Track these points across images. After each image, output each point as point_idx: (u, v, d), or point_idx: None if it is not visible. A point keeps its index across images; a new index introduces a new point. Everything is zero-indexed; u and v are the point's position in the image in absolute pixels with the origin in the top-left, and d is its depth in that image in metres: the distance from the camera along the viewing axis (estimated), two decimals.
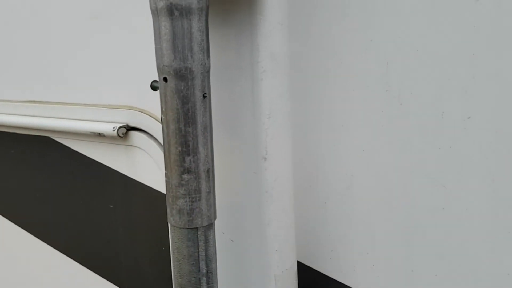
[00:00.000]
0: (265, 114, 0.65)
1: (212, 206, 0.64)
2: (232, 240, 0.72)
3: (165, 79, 0.60)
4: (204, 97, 0.60)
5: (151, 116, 1.00)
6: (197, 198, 0.62)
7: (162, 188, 1.03)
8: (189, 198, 0.62)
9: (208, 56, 0.61)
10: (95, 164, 1.14)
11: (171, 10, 0.57)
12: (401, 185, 0.72)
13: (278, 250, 0.69)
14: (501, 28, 0.59)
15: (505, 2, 0.58)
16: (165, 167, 0.63)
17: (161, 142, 1.01)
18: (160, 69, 0.60)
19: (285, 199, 0.69)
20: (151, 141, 1.02)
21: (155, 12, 0.58)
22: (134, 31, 0.94)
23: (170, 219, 0.64)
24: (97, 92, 1.08)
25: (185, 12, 0.57)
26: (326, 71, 0.74)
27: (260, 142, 0.66)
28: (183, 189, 0.62)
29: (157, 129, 1.00)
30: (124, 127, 1.04)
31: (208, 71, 0.61)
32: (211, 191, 0.64)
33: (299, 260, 0.78)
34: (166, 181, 0.63)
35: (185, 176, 0.61)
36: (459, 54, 0.63)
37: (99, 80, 1.05)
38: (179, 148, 0.61)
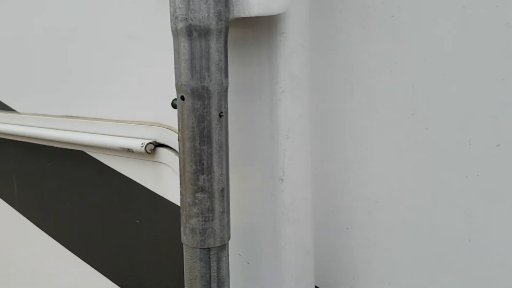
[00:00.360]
0: (283, 134, 0.64)
1: (225, 226, 0.63)
2: (248, 263, 0.71)
3: (182, 98, 0.60)
4: (220, 116, 0.60)
5: (177, 133, 1.01)
6: (210, 218, 0.62)
7: None
8: (202, 217, 0.61)
9: (226, 76, 0.61)
10: (124, 179, 1.16)
11: (190, 31, 0.57)
12: (426, 213, 0.69)
13: (294, 275, 0.67)
14: None
15: None
16: (180, 184, 0.63)
17: None
18: (178, 88, 0.60)
19: (302, 223, 0.67)
20: (177, 158, 1.02)
21: (175, 33, 0.59)
22: (163, 51, 0.96)
23: (183, 237, 0.64)
24: (128, 108, 1.10)
25: (204, 33, 0.57)
26: (349, 93, 0.72)
27: (277, 163, 0.65)
28: (196, 208, 0.61)
29: None
30: (152, 144, 1.05)
31: (226, 91, 0.61)
32: (225, 211, 0.63)
33: (318, 286, 0.76)
34: (180, 199, 0.63)
35: (198, 194, 0.61)
36: (488, 78, 0.60)
37: (130, 97, 1.07)
38: (194, 166, 0.61)
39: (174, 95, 1.02)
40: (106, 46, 1.10)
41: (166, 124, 1.04)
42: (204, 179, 0.61)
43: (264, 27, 0.62)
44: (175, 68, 0.61)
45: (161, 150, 1.06)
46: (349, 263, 0.76)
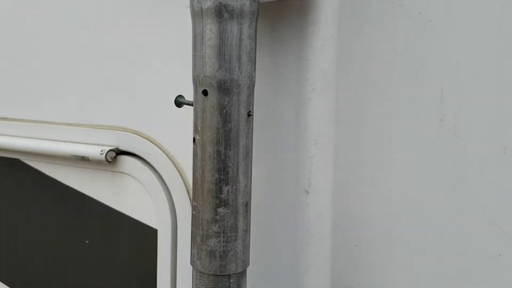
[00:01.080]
0: (312, 139, 0.55)
1: (247, 248, 0.53)
2: None
3: (204, 92, 0.49)
4: (249, 115, 0.50)
5: (148, 140, 0.89)
6: (233, 238, 0.51)
7: (153, 223, 0.91)
8: (223, 237, 0.51)
9: (255, 69, 0.51)
10: (71, 192, 1.00)
11: (219, 11, 0.47)
12: (452, 227, 0.64)
13: None
14: None
15: None
16: (193, 198, 0.52)
17: (158, 169, 0.88)
18: (198, 80, 0.50)
19: (325, 241, 0.59)
20: (145, 168, 0.89)
21: (197, 13, 0.48)
22: (128, 43, 0.83)
23: (196, 263, 0.52)
24: (83, 110, 0.95)
25: (236, 14, 0.47)
26: (372, 96, 0.65)
27: (304, 172, 0.56)
28: (217, 226, 0.50)
29: (154, 154, 0.88)
30: (114, 151, 0.91)
31: (254, 86, 0.51)
32: (248, 229, 0.53)
33: None
34: (194, 215, 0.52)
35: (220, 210, 0.50)
36: None
37: (86, 97, 0.93)
38: (216, 176, 0.50)
39: (143, 94, 0.89)
40: (57, 38, 0.95)
41: (133, 129, 0.91)
42: (228, 191, 0.50)
43: (294, 14, 0.54)
44: (195, 56, 0.50)
45: (124, 158, 0.92)
46: (360, 284, 0.69)
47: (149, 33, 0.85)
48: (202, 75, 0.49)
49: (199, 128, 0.50)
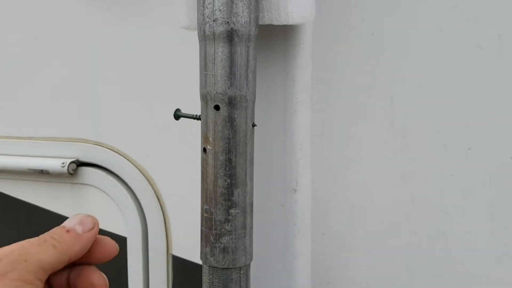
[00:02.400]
0: (298, 145, 0.64)
1: (252, 242, 0.60)
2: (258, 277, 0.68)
3: (216, 107, 0.56)
4: (253, 126, 0.57)
5: (112, 150, 0.91)
6: (243, 234, 0.58)
7: (122, 231, 0.93)
8: (235, 234, 0.57)
9: (256, 85, 0.58)
10: (30, 207, 0.99)
11: (231, 36, 0.54)
12: (403, 214, 0.76)
13: (304, 286, 0.67)
14: (500, 69, 0.68)
15: (504, 47, 0.67)
16: (205, 202, 0.58)
17: (123, 177, 0.92)
18: (210, 97, 0.56)
19: (308, 232, 0.68)
20: (110, 177, 0.92)
21: (209, 37, 0.54)
22: (83, 53, 0.86)
23: (210, 259, 0.58)
24: (40, 123, 0.94)
25: (245, 39, 0.54)
26: (331, 106, 0.76)
27: (291, 173, 0.65)
28: (229, 225, 0.57)
29: (119, 164, 0.91)
30: (75, 163, 0.92)
31: (255, 100, 0.59)
32: (252, 226, 0.60)
33: None
34: (206, 217, 0.58)
35: (232, 211, 0.57)
36: (461, 91, 0.70)
37: (40, 110, 0.93)
38: (228, 181, 0.56)
39: (103, 104, 0.91)
40: (7, 50, 0.93)
41: (94, 140, 0.93)
42: (238, 193, 0.57)
43: (280, 37, 0.62)
44: (204, 75, 0.56)
45: (86, 170, 0.93)
46: (325, 268, 0.79)
47: (106, 40, 0.88)
48: (214, 92, 0.55)
49: (210, 139, 0.56)
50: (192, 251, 0.89)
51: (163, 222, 0.89)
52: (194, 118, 0.59)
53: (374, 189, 0.77)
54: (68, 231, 0.43)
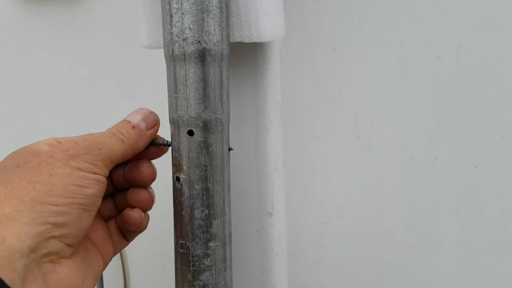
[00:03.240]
0: (272, 166, 0.61)
1: (232, 276, 0.56)
2: None
3: (190, 133, 0.51)
4: (229, 150, 0.54)
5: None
6: (223, 269, 0.54)
7: None
8: (215, 270, 0.53)
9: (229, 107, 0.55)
10: None
11: (203, 56, 0.50)
12: (373, 227, 0.75)
13: None
14: (460, 80, 0.69)
15: (462, 59, 0.68)
16: (179, 236, 0.53)
17: None
18: (182, 122, 0.51)
19: (285, 258, 0.65)
20: None
21: (180, 57, 0.50)
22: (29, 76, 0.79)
23: None
24: None
25: (218, 58, 0.51)
26: (294, 121, 0.74)
27: (266, 196, 0.62)
28: (209, 260, 0.53)
29: None
30: None
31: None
32: (232, 257, 0.56)
33: None
34: (181, 253, 0.53)
35: (211, 244, 0.53)
36: (424, 103, 0.71)
37: None
38: (206, 211, 0.52)
39: (41, 128, 0.83)
40: None
41: None
42: (217, 224, 0.53)
43: (249, 55, 0.59)
44: (175, 98, 0.51)
45: None
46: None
47: (46, 59, 0.81)
48: (187, 116, 0.51)
49: (184, 168, 0.52)
50: (152, 283, 0.83)
51: (119, 255, 0.82)
52: (164, 145, 0.55)
53: (343, 205, 0.76)
54: (134, 127, 0.50)
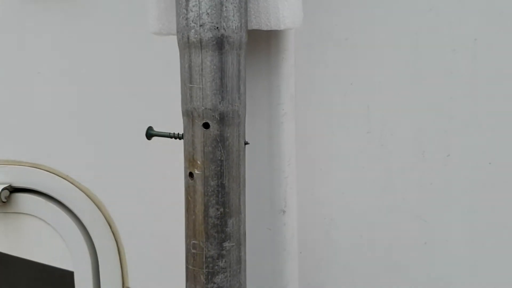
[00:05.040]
0: (285, 161, 0.58)
1: (246, 278, 0.53)
2: None
3: (206, 125, 0.48)
4: (245, 144, 0.51)
5: (51, 172, 0.80)
6: (238, 270, 0.51)
7: (68, 265, 0.82)
8: (229, 271, 0.50)
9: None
10: None
11: (221, 44, 0.46)
12: (383, 224, 0.73)
13: None
14: (476, 74, 0.67)
15: (479, 52, 0.66)
16: (192, 236, 0.50)
17: (67, 204, 0.81)
18: (197, 113, 0.48)
19: (297, 258, 0.62)
20: (51, 204, 0.80)
21: (196, 45, 0.47)
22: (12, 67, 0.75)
23: None
24: None
25: (236, 46, 0.47)
26: (305, 114, 0.70)
27: (279, 193, 0.59)
28: (223, 261, 0.50)
29: (61, 189, 0.80)
30: (7, 189, 0.80)
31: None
32: (246, 259, 0.53)
33: None
34: (194, 254, 0.50)
35: (226, 244, 0.49)
36: (438, 97, 0.69)
37: None
38: (221, 209, 0.49)
39: (39, 122, 0.79)
40: None
41: (30, 162, 0.80)
42: (232, 223, 0.50)
43: (263, 44, 0.56)
44: (189, 88, 0.48)
45: (21, 196, 0.81)
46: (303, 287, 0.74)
47: (41, 51, 0.77)
48: (203, 108, 0.47)
49: (198, 162, 0.48)
50: (151, 282, 0.80)
51: (116, 251, 0.79)
52: (171, 137, 0.51)
53: (353, 201, 0.73)
54: None
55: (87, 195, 0.78)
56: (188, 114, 0.48)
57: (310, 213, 0.73)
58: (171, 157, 0.73)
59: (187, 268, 0.50)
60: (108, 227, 0.78)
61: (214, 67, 0.47)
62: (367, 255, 0.74)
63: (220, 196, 0.48)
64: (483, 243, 0.71)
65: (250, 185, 0.59)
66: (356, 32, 0.69)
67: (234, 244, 0.50)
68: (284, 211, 0.58)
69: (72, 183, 0.79)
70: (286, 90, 0.56)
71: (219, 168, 0.48)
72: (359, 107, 0.71)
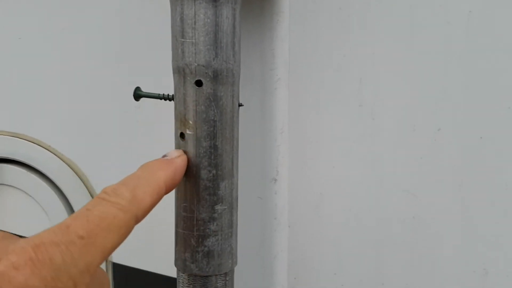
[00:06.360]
0: (278, 129, 0.57)
1: (237, 243, 0.52)
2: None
3: (198, 83, 0.46)
4: (239, 106, 0.49)
5: (33, 143, 0.77)
6: (229, 234, 0.49)
7: None
8: (221, 235, 0.49)
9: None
10: None
11: None
12: (372, 198, 0.72)
13: (284, 286, 0.60)
14: (469, 47, 0.66)
15: (473, 22, 0.65)
16: (181, 199, 0.48)
17: (50, 176, 0.78)
18: (190, 70, 0.46)
19: (287, 228, 0.61)
20: (33, 176, 0.78)
21: None
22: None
23: (191, 266, 0.49)
24: None
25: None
26: (298, 87, 0.69)
27: (271, 161, 0.57)
28: (215, 224, 0.48)
29: (43, 159, 0.77)
30: None
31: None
32: (237, 223, 0.52)
33: None
34: (184, 217, 0.48)
35: (218, 207, 0.48)
36: (430, 70, 0.68)
37: None
38: (214, 171, 0.47)
39: (16, 87, 0.76)
40: None
41: (10, 131, 0.77)
42: (225, 186, 0.48)
43: (256, 3, 0.54)
44: (180, 43, 0.46)
45: (1, 167, 0.78)
46: (290, 262, 0.73)
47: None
48: (195, 64, 0.46)
49: (190, 122, 0.47)
50: (136, 257, 0.78)
51: None
52: (161, 98, 0.49)
53: (343, 175, 0.72)
54: None
55: (70, 166, 0.76)
56: (180, 71, 0.46)
57: (300, 187, 0.72)
58: (158, 128, 0.71)
59: (177, 232, 0.49)
60: (91, 199, 0.76)
61: (208, 20, 0.45)
62: (355, 229, 0.73)
63: (212, 157, 0.47)
64: (472, 218, 0.71)
65: (242, 153, 0.57)
66: (350, 1, 0.68)
67: (226, 207, 0.48)
68: (275, 180, 0.57)
69: (54, 154, 0.76)
70: (280, 54, 0.55)
71: (212, 129, 0.46)
72: (351, 80, 0.70)
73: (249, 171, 0.57)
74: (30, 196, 0.76)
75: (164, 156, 0.45)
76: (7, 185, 0.76)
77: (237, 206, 0.50)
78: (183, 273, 0.49)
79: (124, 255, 0.78)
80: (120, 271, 0.77)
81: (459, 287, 0.71)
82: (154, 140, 0.72)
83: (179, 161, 0.43)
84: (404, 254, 0.73)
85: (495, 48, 0.66)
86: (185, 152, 0.47)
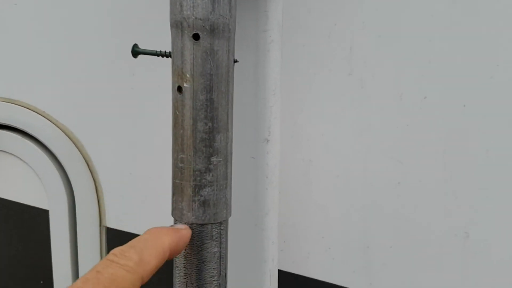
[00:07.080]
0: (271, 90, 0.59)
1: (231, 194, 0.54)
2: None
3: (195, 36, 0.48)
4: (235, 62, 0.51)
5: (28, 108, 0.78)
6: (224, 185, 0.51)
7: (43, 204, 0.81)
8: (216, 186, 0.51)
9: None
10: None
11: None
12: (359, 165, 0.75)
13: (274, 242, 0.63)
14: (454, 16, 0.69)
15: None
16: (180, 150, 0.50)
17: (45, 142, 0.79)
18: (187, 23, 0.48)
19: (277, 188, 0.63)
20: (27, 141, 0.79)
21: None
22: None
23: (188, 215, 0.51)
24: None
25: None
26: (287, 55, 0.71)
27: (264, 122, 0.59)
28: (210, 175, 0.50)
29: (37, 125, 0.79)
30: None
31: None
32: (231, 177, 0.54)
33: None
34: (181, 168, 0.50)
35: (214, 159, 0.50)
36: (417, 41, 0.70)
37: None
38: (210, 124, 0.49)
39: (10, 53, 0.76)
40: None
41: (4, 97, 0.78)
42: (220, 139, 0.50)
43: None
44: None
45: None
46: (280, 227, 0.75)
47: None
48: (193, 18, 0.47)
49: (187, 75, 0.48)
50: (130, 221, 0.80)
51: (94, 190, 0.78)
52: (158, 55, 0.51)
53: (332, 142, 0.75)
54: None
55: (65, 133, 0.77)
56: (177, 25, 0.48)
57: (289, 153, 0.74)
58: (152, 96, 0.73)
59: (174, 183, 0.51)
60: (86, 165, 0.77)
61: None
62: (342, 194, 0.76)
63: (209, 110, 0.49)
64: (455, 184, 0.74)
65: (235, 111, 0.59)
66: None
67: (221, 159, 0.50)
68: (268, 140, 0.59)
69: (49, 120, 0.77)
70: (273, 16, 0.57)
71: (208, 82, 0.48)
72: (341, 49, 0.72)
73: (242, 131, 0.59)
74: (25, 162, 0.77)
75: (172, 226, 0.48)
76: (1, 150, 0.77)
77: (231, 160, 0.52)
78: (180, 222, 0.51)
79: (119, 220, 0.80)
80: (113, 234, 0.79)
81: (441, 249, 0.74)
82: (148, 107, 0.73)
83: (184, 231, 0.47)
84: (389, 218, 0.76)
85: (478, 17, 0.69)
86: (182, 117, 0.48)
